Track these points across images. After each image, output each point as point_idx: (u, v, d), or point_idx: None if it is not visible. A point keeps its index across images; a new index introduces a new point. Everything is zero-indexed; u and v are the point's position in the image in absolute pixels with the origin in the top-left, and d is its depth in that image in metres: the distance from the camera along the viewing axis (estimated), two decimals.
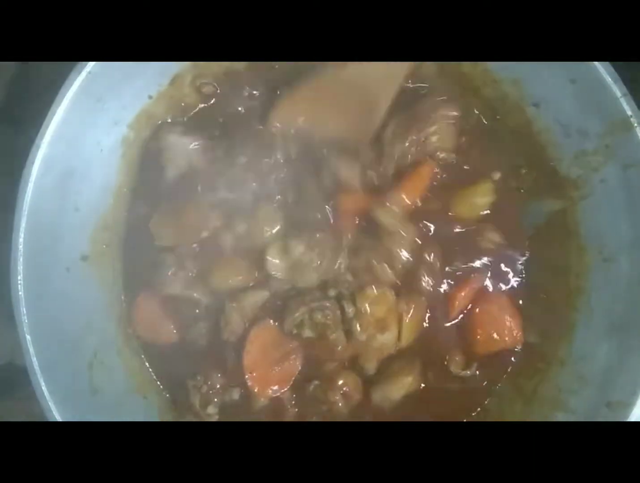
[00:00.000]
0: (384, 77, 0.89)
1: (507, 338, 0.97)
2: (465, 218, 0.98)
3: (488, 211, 0.99)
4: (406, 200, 0.94)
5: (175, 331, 0.96)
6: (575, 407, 0.89)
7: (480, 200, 0.98)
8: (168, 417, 0.97)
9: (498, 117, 0.99)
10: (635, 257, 0.87)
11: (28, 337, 0.82)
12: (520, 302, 0.99)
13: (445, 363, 0.97)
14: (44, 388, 0.82)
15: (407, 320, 0.94)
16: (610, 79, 0.82)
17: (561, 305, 0.96)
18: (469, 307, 0.98)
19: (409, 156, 0.95)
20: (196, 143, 0.95)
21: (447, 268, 0.97)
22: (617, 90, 0.82)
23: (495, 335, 0.97)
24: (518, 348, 0.99)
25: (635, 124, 0.82)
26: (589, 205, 0.93)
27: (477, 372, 0.98)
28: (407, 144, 0.94)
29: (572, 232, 0.96)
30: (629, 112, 0.82)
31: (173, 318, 0.95)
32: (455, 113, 0.95)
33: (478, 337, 0.97)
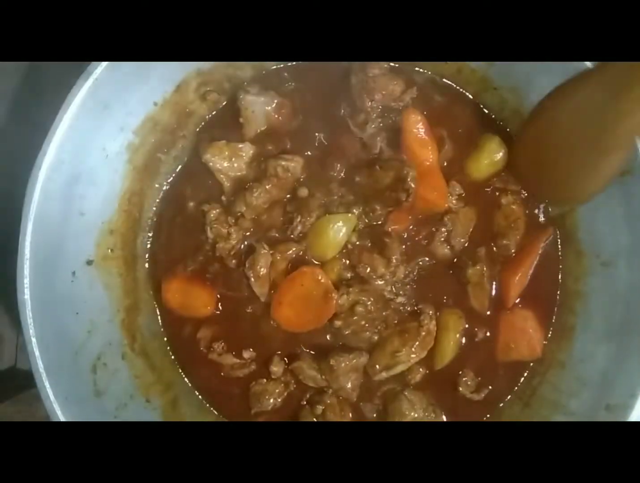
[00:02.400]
0: None
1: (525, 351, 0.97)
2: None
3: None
4: None
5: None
6: (575, 409, 0.90)
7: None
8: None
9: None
10: (633, 262, 0.89)
11: (33, 339, 0.82)
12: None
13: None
14: (48, 390, 0.82)
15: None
16: None
17: (560, 309, 0.98)
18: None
19: None
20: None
21: None
22: None
23: (513, 346, 0.97)
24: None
25: None
26: (588, 211, 0.94)
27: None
28: None
29: (570, 237, 0.97)
30: None
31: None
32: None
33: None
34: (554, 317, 0.99)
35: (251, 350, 0.98)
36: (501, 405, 1.00)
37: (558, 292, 0.99)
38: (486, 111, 1.02)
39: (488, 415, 0.99)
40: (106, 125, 0.90)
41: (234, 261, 0.98)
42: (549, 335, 0.99)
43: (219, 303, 1.00)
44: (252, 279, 0.95)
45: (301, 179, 0.98)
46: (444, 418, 0.98)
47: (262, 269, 0.95)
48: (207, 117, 1.03)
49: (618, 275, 0.91)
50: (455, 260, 0.98)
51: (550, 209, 1.00)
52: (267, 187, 0.97)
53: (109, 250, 0.96)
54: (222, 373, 0.99)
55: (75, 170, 0.88)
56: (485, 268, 0.96)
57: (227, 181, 1.00)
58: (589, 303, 0.94)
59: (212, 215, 0.98)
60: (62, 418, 0.82)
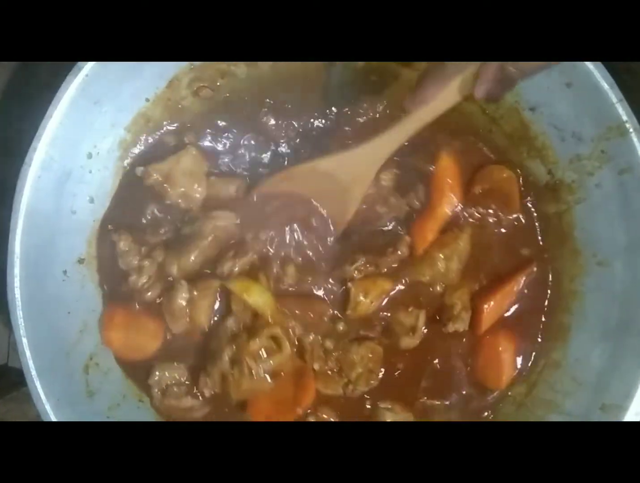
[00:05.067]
0: (358, 175, 0.89)
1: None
2: None
3: None
4: None
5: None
6: (570, 410, 0.90)
7: None
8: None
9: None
10: (630, 261, 0.88)
11: (24, 339, 0.81)
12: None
13: None
14: (40, 390, 0.81)
15: None
16: (606, 84, 0.83)
17: (556, 308, 0.97)
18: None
19: None
20: None
21: None
22: (612, 95, 0.83)
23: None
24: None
25: (631, 129, 0.83)
26: (584, 210, 0.93)
27: None
28: None
29: (566, 235, 0.96)
30: (625, 117, 0.83)
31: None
32: None
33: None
34: (534, 352, 0.98)
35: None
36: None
37: (541, 327, 0.99)
38: None
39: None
40: (97, 122, 0.89)
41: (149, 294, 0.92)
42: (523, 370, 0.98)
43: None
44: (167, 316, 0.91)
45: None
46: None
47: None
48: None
49: (614, 274, 0.90)
50: None
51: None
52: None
53: None
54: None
55: (66, 167, 0.87)
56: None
57: None
58: (584, 303, 0.94)
59: (122, 245, 0.91)
60: (53, 419, 0.81)
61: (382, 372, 0.96)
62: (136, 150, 0.97)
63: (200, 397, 0.93)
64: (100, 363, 0.92)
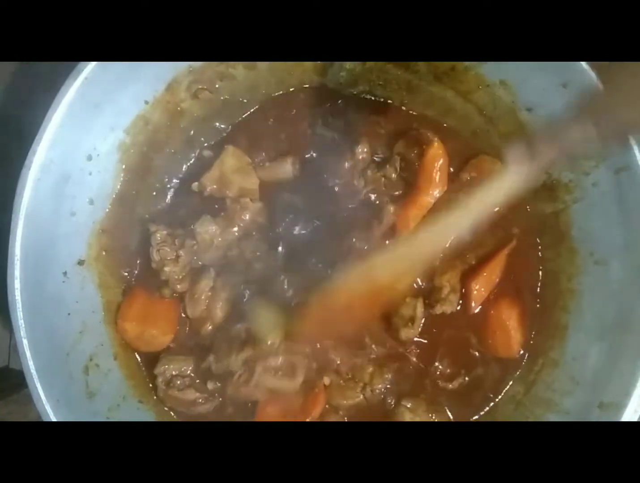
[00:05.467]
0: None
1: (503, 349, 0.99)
2: None
3: None
4: None
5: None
6: (568, 408, 0.90)
7: None
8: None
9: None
10: (627, 260, 0.88)
11: (24, 340, 0.81)
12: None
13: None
14: (40, 392, 0.81)
15: None
16: (601, 85, 0.83)
17: (553, 307, 0.98)
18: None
19: None
20: None
21: None
22: None
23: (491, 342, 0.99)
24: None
25: None
26: (581, 209, 0.94)
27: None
28: None
29: (564, 234, 0.97)
30: None
31: None
32: None
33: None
34: (538, 316, 1.00)
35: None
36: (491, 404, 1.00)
37: (538, 295, 1.01)
38: None
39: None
40: (97, 125, 0.90)
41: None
42: (532, 335, 1.00)
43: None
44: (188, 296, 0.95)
45: None
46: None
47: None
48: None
49: (612, 273, 0.90)
50: None
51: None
52: None
53: (101, 250, 0.95)
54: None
55: (66, 170, 0.87)
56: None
57: None
58: (582, 302, 0.94)
59: (158, 236, 0.95)
60: (54, 420, 0.82)
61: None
62: (183, 169, 1.04)
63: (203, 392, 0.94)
64: (100, 364, 0.92)
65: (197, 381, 0.95)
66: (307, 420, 0.93)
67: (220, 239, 0.96)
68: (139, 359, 0.99)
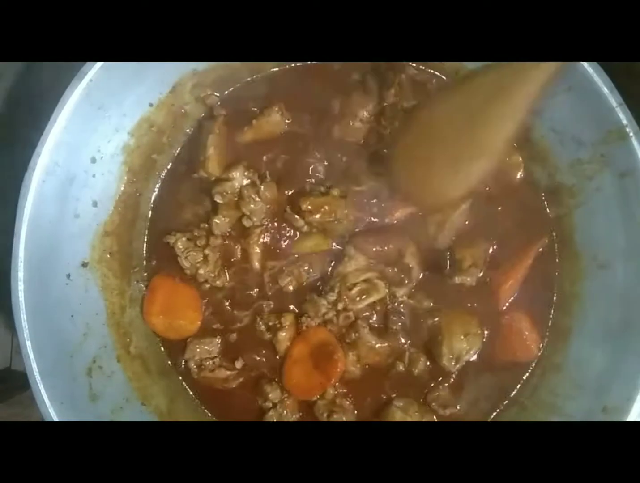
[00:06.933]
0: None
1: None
2: None
3: None
4: None
5: None
6: (572, 413, 0.90)
7: None
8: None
9: None
10: (630, 264, 0.88)
11: (28, 342, 0.82)
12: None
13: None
14: (43, 394, 0.82)
15: None
16: (606, 89, 0.83)
17: (557, 311, 0.98)
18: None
19: None
20: None
21: None
22: (612, 99, 0.83)
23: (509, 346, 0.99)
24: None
25: (631, 133, 0.83)
26: (585, 213, 0.94)
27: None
28: None
29: (567, 239, 0.97)
30: (625, 121, 0.83)
31: None
32: None
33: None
34: (550, 319, 0.99)
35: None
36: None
37: (554, 296, 1.00)
38: None
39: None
40: (101, 127, 0.90)
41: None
42: (546, 337, 0.99)
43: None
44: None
45: None
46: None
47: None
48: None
49: (615, 277, 0.90)
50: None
51: (548, 211, 0.99)
52: None
53: (104, 252, 0.95)
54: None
55: (70, 172, 0.87)
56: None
57: None
58: (585, 306, 0.94)
59: (180, 245, 0.96)
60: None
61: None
62: None
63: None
64: (104, 367, 0.92)
65: (225, 363, 0.99)
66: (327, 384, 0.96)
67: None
68: (163, 349, 1.03)
